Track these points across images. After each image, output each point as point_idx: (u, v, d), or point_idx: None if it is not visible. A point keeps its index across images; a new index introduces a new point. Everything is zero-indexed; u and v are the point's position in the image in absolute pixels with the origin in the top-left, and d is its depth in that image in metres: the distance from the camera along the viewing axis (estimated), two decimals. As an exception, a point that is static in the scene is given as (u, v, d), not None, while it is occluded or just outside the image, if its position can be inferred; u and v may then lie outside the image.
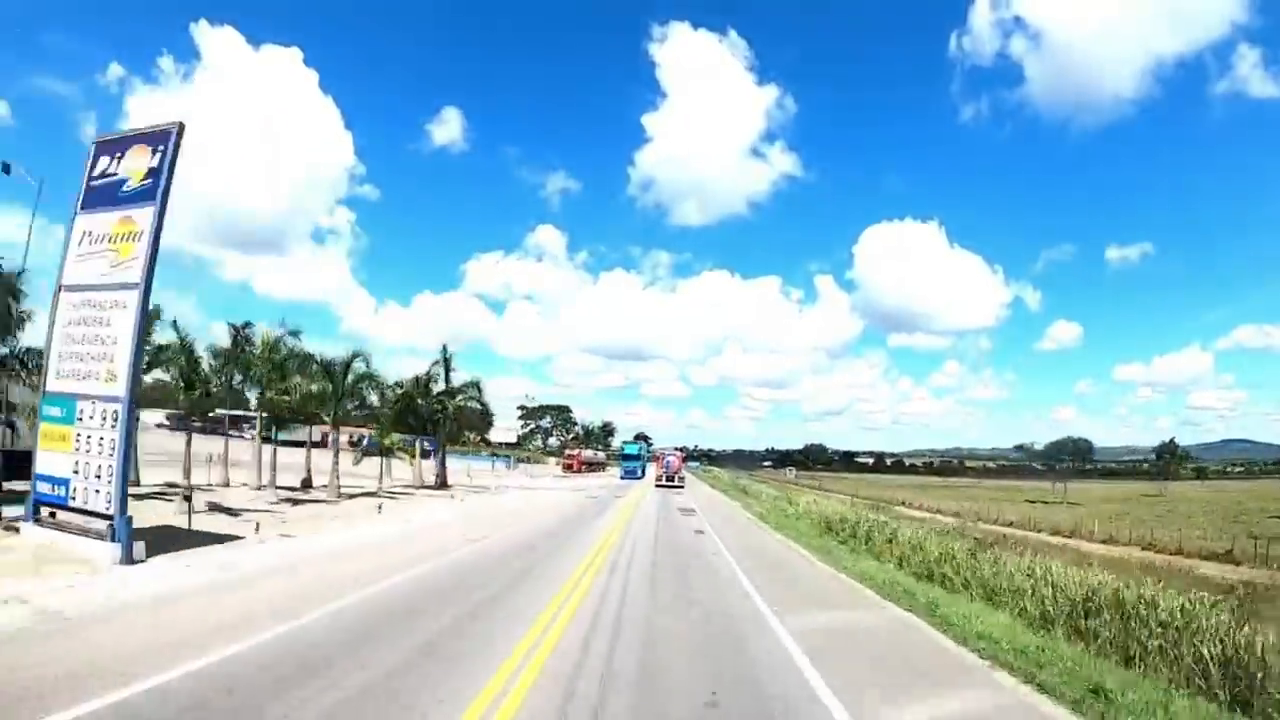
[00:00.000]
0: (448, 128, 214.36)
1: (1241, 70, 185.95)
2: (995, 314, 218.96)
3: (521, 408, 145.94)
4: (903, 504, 60.68)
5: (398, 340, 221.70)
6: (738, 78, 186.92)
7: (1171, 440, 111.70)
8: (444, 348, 37.62)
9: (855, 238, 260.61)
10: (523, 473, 59.62)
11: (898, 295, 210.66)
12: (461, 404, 37.91)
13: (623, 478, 59.88)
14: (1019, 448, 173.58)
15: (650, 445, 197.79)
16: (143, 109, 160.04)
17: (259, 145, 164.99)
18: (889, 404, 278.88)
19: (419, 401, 34.66)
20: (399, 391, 33.82)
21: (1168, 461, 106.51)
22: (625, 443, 77.30)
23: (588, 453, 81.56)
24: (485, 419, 37.56)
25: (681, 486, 52.32)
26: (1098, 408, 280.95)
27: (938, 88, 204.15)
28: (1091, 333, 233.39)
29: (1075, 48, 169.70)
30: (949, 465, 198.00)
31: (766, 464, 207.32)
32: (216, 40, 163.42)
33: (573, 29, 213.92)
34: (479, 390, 38.26)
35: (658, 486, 51.61)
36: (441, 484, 36.84)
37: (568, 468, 71.49)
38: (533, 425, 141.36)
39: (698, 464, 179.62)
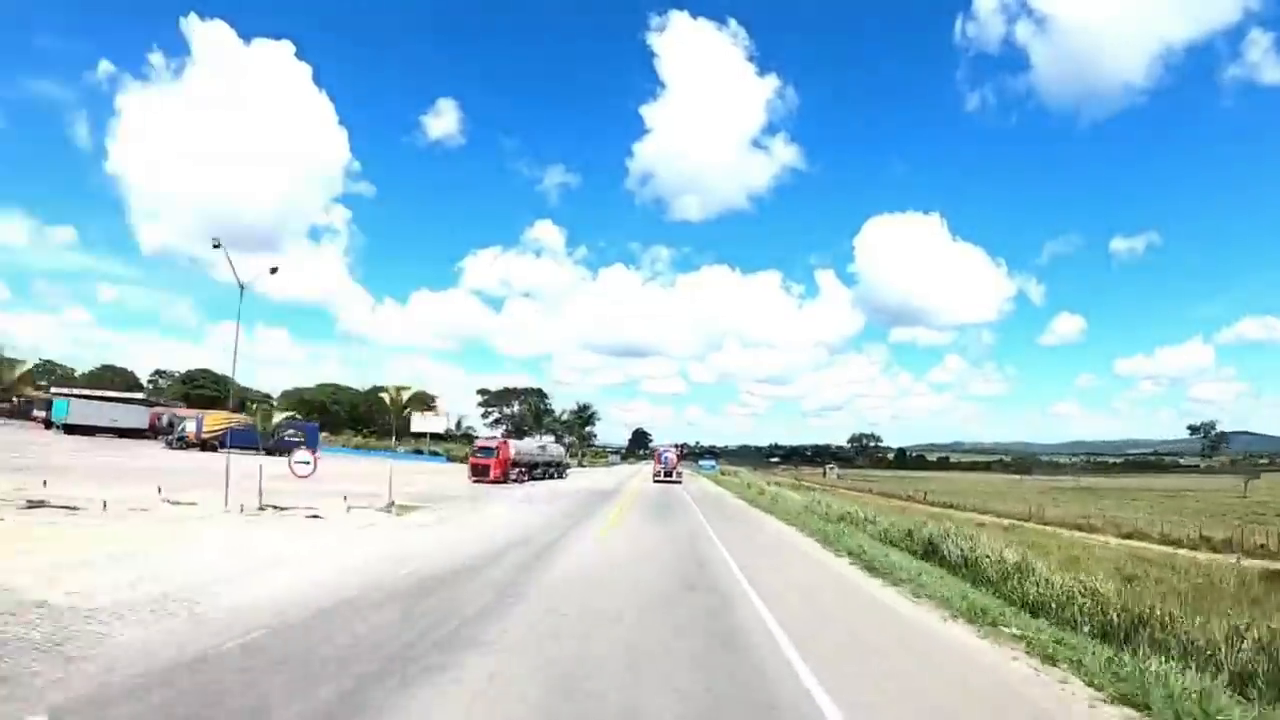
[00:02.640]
0: (444, 120, 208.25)
1: (1253, 56, 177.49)
2: (998, 308, 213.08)
3: (483, 391, 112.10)
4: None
5: (396, 339, 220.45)
6: (738, 68, 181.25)
7: None
8: None
9: (856, 230, 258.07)
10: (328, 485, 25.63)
11: (900, 289, 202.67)
12: None
13: None
14: (1195, 429, 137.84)
15: (651, 441, 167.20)
16: (134, 107, 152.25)
17: (252, 142, 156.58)
18: (889, 399, 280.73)
19: None
20: None
21: None
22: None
23: (527, 443, 46.97)
24: None
25: (679, 482, 50.98)
26: (1098, 401, 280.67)
27: (942, 76, 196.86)
28: (1094, 326, 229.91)
29: (1083, 33, 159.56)
30: (1020, 462, 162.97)
31: (774, 459, 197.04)
32: (206, 34, 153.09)
33: (570, 18, 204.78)
34: None
35: (655, 482, 49.90)
36: None
37: (478, 470, 37.04)
38: (498, 413, 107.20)
39: (713, 463, 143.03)
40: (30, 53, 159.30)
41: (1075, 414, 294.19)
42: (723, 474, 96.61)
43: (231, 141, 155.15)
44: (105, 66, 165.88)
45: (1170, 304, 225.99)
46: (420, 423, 71.90)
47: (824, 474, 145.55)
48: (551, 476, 47.24)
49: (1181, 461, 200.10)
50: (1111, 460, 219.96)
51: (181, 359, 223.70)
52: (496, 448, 38.71)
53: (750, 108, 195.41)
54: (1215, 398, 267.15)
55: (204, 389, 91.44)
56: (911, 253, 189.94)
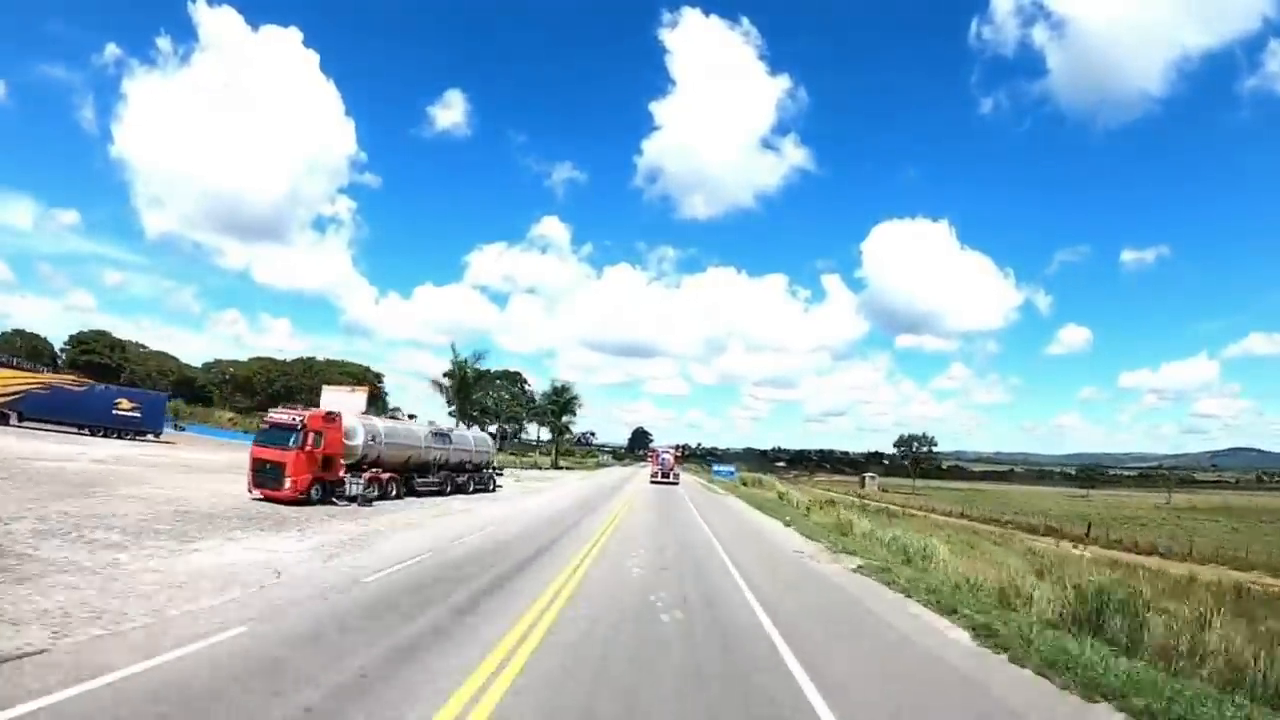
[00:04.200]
0: (451, 112, 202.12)
1: (1272, 67, 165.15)
2: (1004, 317, 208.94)
3: (449, 375, 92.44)
4: None
5: (398, 333, 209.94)
6: (749, 67, 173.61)
7: None
8: None
9: (864, 235, 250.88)
10: None
11: (906, 296, 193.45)
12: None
13: None
14: None
15: (651, 441, 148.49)
16: (141, 92, 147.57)
17: (258, 130, 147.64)
18: (892, 405, 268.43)
19: None
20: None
21: None
22: None
23: (405, 425, 26.45)
24: None
25: (676, 483, 49.25)
26: (1101, 413, 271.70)
27: (956, 79, 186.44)
28: (1100, 338, 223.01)
29: (1101, 37, 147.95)
30: (1093, 472, 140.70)
31: (780, 464, 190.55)
32: (214, 20, 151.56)
33: (581, 13, 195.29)
34: None
35: (653, 482, 48.41)
36: None
37: (262, 472, 17.93)
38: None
39: (731, 470, 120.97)
40: (37, 36, 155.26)
41: (1077, 425, 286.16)
42: (744, 483, 75.44)
43: (238, 129, 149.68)
44: (112, 50, 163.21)
45: (1178, 318, 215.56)
46: (330, 399, 51.76)
47: (862, 485, 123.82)
48: (461, 489, 27.41)
49: (1197, 476, 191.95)
50: (1126, 474, 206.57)
51: (179, 345, 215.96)
52: (303, 428, 18.85)
53: (761, 107, 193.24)
54: (1219, 413, 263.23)
55: (94, 354, 72.93)
56: (919, 259, 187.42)
